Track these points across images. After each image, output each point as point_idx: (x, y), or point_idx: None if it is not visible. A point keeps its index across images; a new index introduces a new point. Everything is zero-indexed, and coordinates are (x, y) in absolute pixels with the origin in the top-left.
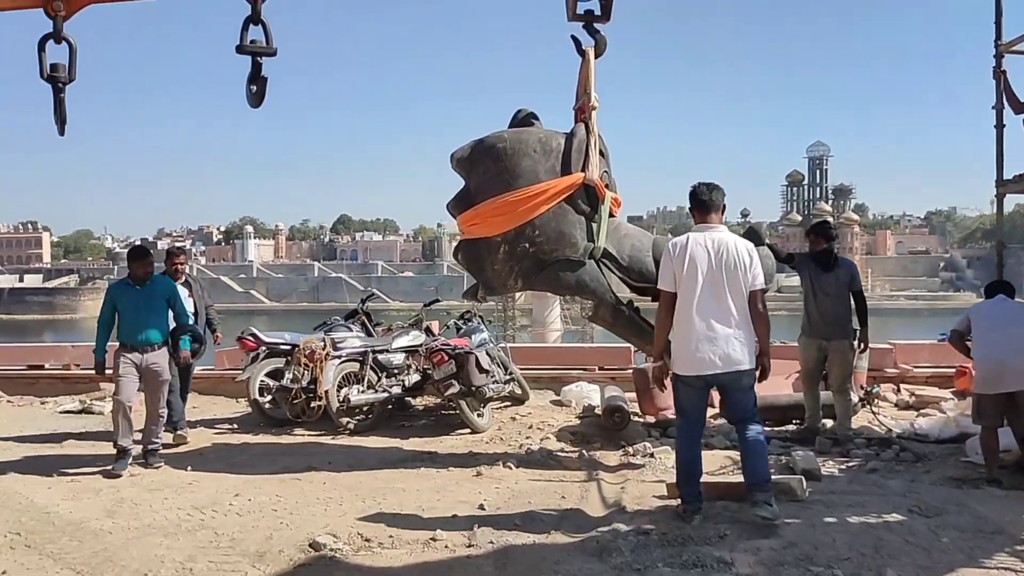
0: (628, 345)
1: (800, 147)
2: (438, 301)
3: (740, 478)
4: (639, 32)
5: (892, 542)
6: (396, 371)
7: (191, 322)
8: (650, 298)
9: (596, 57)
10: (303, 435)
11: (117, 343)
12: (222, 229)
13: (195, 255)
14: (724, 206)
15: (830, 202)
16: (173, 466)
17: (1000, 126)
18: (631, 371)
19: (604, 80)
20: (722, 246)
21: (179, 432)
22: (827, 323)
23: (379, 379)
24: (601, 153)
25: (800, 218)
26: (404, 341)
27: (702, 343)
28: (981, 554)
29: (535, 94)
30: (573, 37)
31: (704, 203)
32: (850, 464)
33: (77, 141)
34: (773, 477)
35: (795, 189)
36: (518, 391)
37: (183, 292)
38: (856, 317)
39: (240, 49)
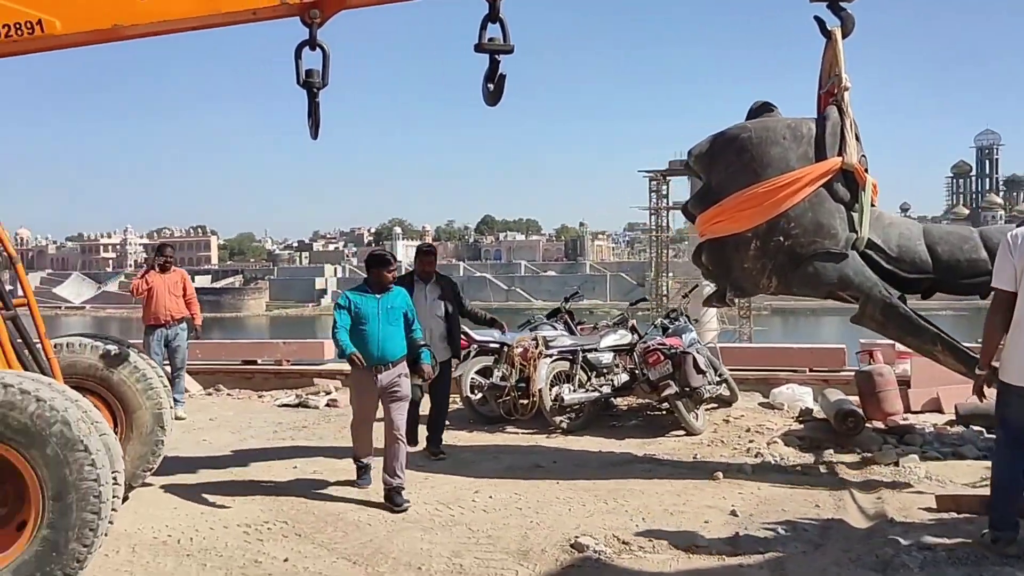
0: (841, 346)
1: (967, 136)
2: (645, 300)
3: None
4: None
5: None
6: (605, 370)
7: (443, 330)
8: (920, 295)
9: (844, 37)
10: (517, 432)
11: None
12: (372, 231)
13: (347, 256)
14: None
15: (1001, 194)
16: None
17: None
18: (853, 374)
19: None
20: None
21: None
22: None
23: (589, 378)
24: (856, 137)
25: (967, 211)
26: (612, 340)
27: None
28: None
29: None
30: (817, 18)
31: None
32: None
33: (238, 147)
34: None
35: (961, 181)
36: (726, 393)
37: (433, 293)
38: None
39: (479, 47)
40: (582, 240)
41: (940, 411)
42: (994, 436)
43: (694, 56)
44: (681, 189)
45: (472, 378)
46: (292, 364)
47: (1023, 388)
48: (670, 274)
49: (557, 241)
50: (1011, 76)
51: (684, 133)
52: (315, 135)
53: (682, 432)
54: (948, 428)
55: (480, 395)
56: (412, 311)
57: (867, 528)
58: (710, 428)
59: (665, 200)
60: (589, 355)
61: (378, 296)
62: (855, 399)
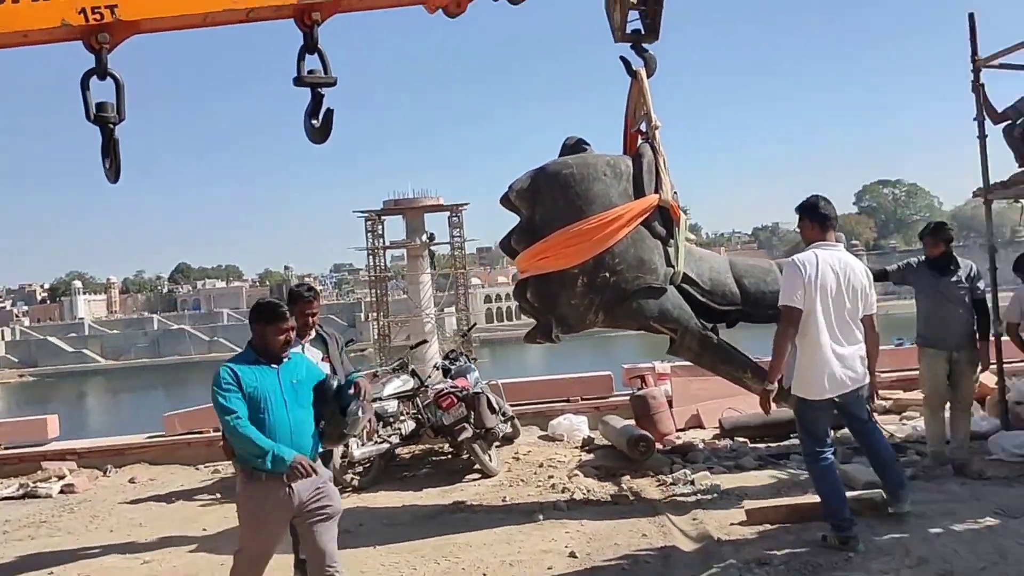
0: (608, 373)
1: None
2: (425, 343)
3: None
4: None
5: (1011, 547)
6: (391, 419)
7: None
8: (726, 324)
9: (648, 77)
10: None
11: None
12: (46, 287)
13: (16, 316)
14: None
15: None
16: None
17: (983, 136)
18: (622, 398)
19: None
20: (847, 267)
21: None
22: (955, 332)
23: (375, 430)
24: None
25: None
26: (395, 387)
27: (834, 365)
28: None
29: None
30: (623, 58)
31: (825, 217)
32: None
33: None
34: (853, 495)
35: None
36: (509, 429)
37: (316, 355)
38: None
39: (299, 81)
40: (288, 283)
41: (702, 426)
42: (765, 448)
43: (401, 101)
44: (396, 228)
45: None
46: (6, 448)
47: (822, 401)
48: (380, 314)
49: (261, 286)
50: None
51: (394, 172)
52: (115, 179)
53: (478, 475)
54: (716, 442)
55: None
56: (318, 371)
57: (700, 551)
58: (504, 468)
59: (381, 240)
60: (374, 405)
61: (275, 367)
62: (631, 422)
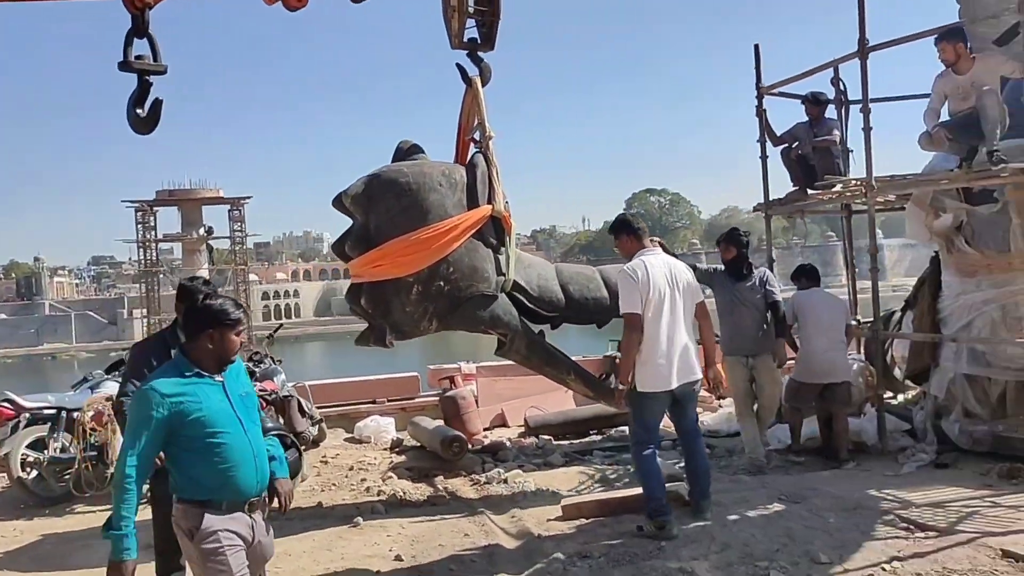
0: (415, 374)
1: None
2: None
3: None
4: None
5: (797, 530)
6: None
7: None
8: (550, 325)
9: (483, 86)
10: (90, 510)
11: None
12: None
13: None
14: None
15: None
16: None
17: (764, 157)
18: (429, 399)
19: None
20: (673, 267)
21: None
22: (751, 337)
23: None
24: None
25: None
26: None
27: (672, 358)
28: (866, 527)
29: None
30: (459, 66)
31: (638, 230)
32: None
33: None
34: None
35: None
36: (316, 432)
37: None
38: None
39: (125, 66)
40: (39, 277)
41: (506, 425)
42: (568, 445)
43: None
44: (169, 220)
45: (24, 453)
46: None
47: (660, 393)
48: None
49: (7, 280)
50: None
51: (168, 163)
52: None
53: None
54: (523, 440)
55: (35, 472)
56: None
57: (522, 548)
58: (313, 472)
59: (153, 232)
60: None
61: (219, 380)
62: (441, 423)
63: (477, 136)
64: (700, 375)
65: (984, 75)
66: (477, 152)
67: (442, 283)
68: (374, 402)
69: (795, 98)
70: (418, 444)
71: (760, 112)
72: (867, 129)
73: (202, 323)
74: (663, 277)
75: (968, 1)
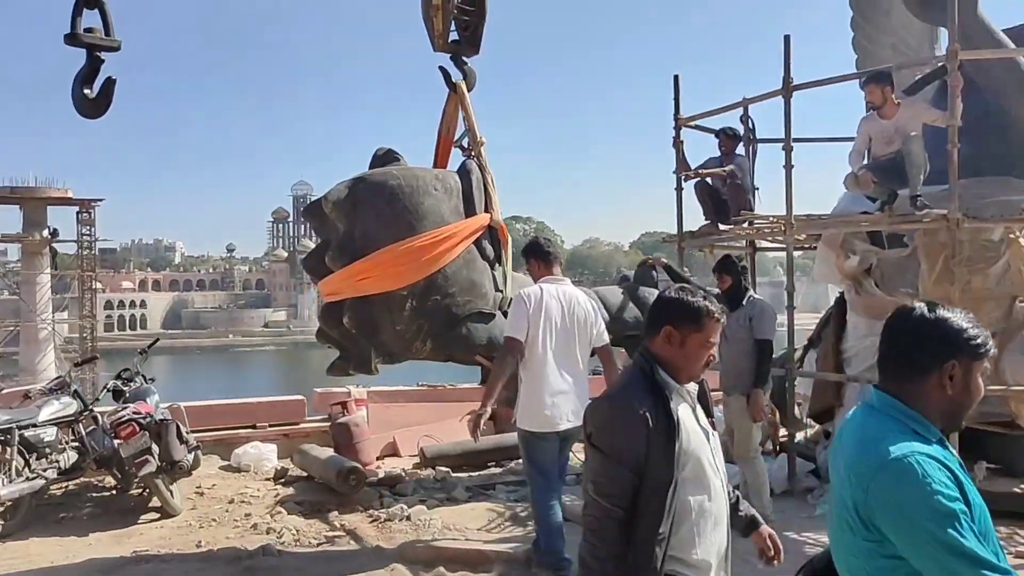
0: (300, 398)
1: (286, 185)
2: (96, 359)
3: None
4: None
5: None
6: (48, 450)
7: None
8: None
9: (468, 90)
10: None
11: None
12: None
13: None
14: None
15: (314, 240)
16: None
17: (679, 188)
18: (325, 425)
19: None
20: (572, 299)
21: None
22: (729, 373)
23: (27, 463)
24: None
25: (286, 253)
26: (53, 411)
27: (558, 397)
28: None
29: None
30: (442, 69)
31: (548, 255)
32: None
33: None
34: None
35: (281, 226)
36: (191, 460)
37: None
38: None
39: (73, 39)
40: None
41: (398, 454)
42: (467, 477)
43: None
44: (10, 220)
45: None
46: None
47: (548, 434)
48: None
49: None
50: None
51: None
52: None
53: (157, 515)
54: (418, 472)
55: None
56: None
57: None
58: (188, 505)
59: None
60: (27, 432)
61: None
62: (331, 451)
63: (465, 143)
64: None
65: (908, 121)
66: (469, 159)
67: (439, 297)
68: (254, 427)
69: (709, 132)
70: (306, 475)
71: (677, 143)
72: (788, 167)
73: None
74: (558, 309)
75: (865, 54)
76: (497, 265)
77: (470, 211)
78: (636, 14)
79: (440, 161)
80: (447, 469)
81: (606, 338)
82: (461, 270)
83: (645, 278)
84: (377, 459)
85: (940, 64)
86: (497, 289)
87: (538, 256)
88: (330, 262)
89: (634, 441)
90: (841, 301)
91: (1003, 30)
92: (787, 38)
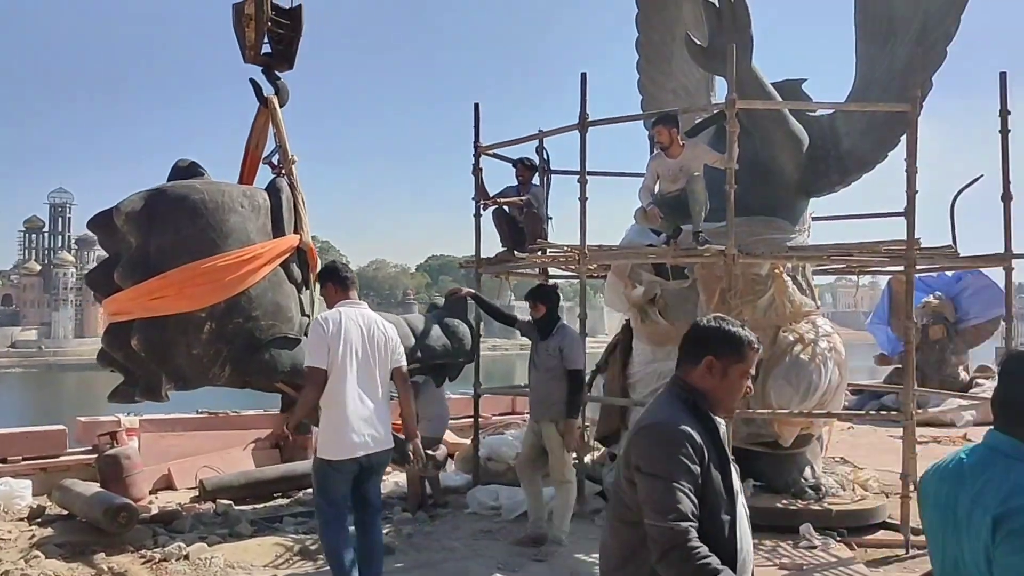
0: (61, 428)
1: (42, 193)
2: None
3: None
4: None
5: None
6: None
7: None
8: None
9: (281, 106)
10: None
11: None
12: None
13: None
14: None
15: (73, 252)
16: None
17: (477, 215)
18: (92, 458)
19: None
20: (371, 323)
21: None
22: (537, 401)
23: None
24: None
25: (39, 267)
26: None
27: (359, 424)
28: None
29: None
30: (253, 81)
31: (346, 279)
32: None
33: None
34: None
35: (34, 236)
36: None
37: None
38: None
39: None
40: None
41: (174, 488)
42: (252, 510)
43: None
44: None
45: None
46: None
47: (345, 462)
48: None
49: None
50: (87, 135)
51: None
52: None
53: None
54: (197, 506)
55: None
56: None
57: None
58: None
59: None
60: None
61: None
62: (96, 487)
63: (275, 160)
64: (390, 443)
65: (692, 161)
66: (278, 177)
67: (241, 320)
68: (5, 460)
69: (506, 161)
70: (67, 513)
71: (476, 170)
72: (583, 199)
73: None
74: (358, 333)
75: (649, 97)
76: (304, 288)
77: (278, 231)
78: (435, 35)
79: (247, 177)
80: (229, 502)
81: (403, 361)
82: (266, 292)
83: (454, 308)
84: (151, 493)
85: (718, 111)
86: (304, 313)
87: (335, 280)
88: (119, 278)
89: (691, 464)
90: (628, 328)
91: (772, 83)
92: (583, 76)
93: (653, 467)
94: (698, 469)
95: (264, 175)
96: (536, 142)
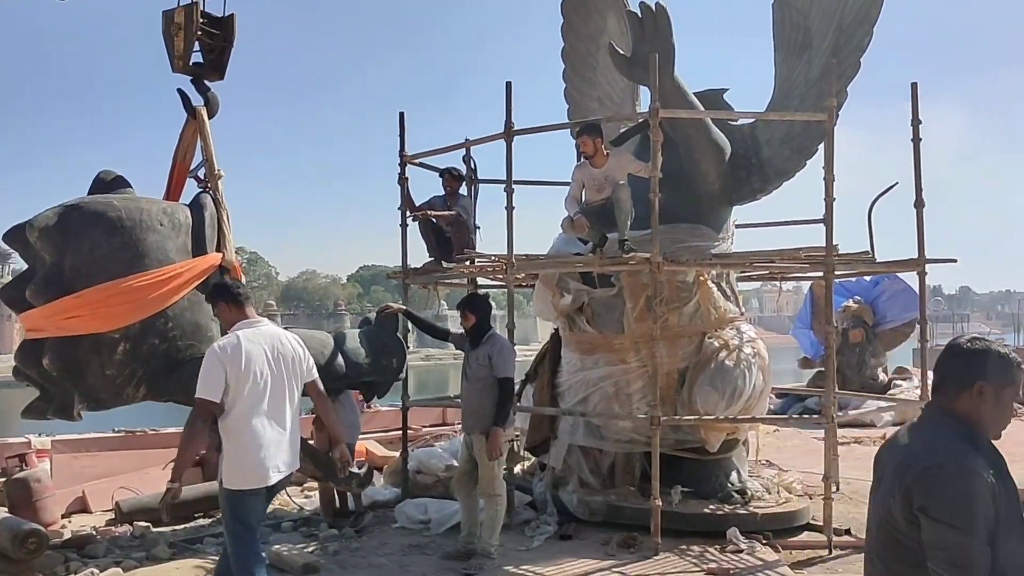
0: None
1: None
2: None
3: None
4: None
5: None
6: None
7: None
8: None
9: (210, 118)
10: None
11: None
12: None
13: None
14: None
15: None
16: None
17: (404, 225)
18: (2, 483)
19: None
20: (275, 340)
21: None
22: (467, 412)
23: None
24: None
25: None
26: None
27: (271, 451)
28: None
29: None
30: (181, 92)
31: (238, 296)
32: (309, 549)
33: None
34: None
35: None
36: None
37: None
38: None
39: None
40: None
41: (88, 511)
42: (171, 532)
43: None
44: None
45: None
46: None
47: (259, 489)
48: None
49: None
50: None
51: None
52: None
53: None
54: (113, 529)
55: None
56: None
57: None
58: None
59: None
60: None
61: None
62: (2, 511)
63: (201, 174)
64: (296, 463)
65: (617, 171)
66: (203, 192)
67: (157, 341)
68: None
69: (433, 170)
70: None
71: (402, 180)
72: (510, 208)
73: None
74: (261, 355)
75: (575, 105)
76: None
77: (199, 250)
78: (365, 44)
79: (174, 190)
80: (147, 524)
81: (315, 374)
82: (185, 312)
83: (385, 323)
84: (64, 517)
85: (642, 120)
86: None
87: (227, 299)
88: (31, 296)
89: (987, 511)
90: (556, 337)
91: (694, 93)
92: (508, 84)
93: (945, 515)
94: (993, 512)
95: (192, 188)
96: (463, 151)
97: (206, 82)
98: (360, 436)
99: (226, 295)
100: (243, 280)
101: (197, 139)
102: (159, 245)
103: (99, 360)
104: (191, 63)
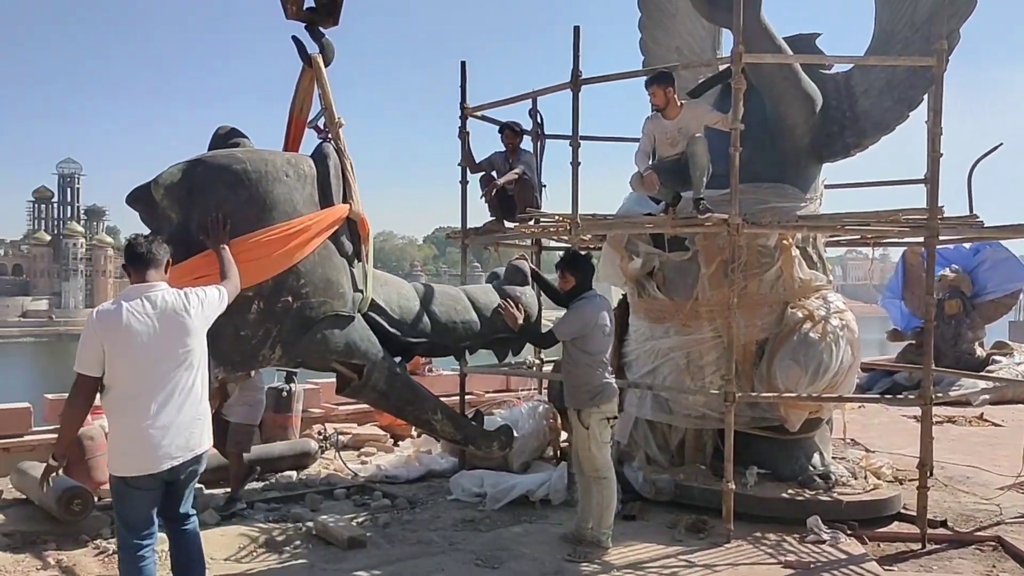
0: (27, 405)
1: (50, 162)
2: None
3: None
4: None
5: None
6: None
7: None
8: (403, 356)
9: (326, 66)
10: None
11: None
12: None
13: None
14: (169, 261)
15: (82, 222)
16: None
17: (464, 182)
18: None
19: None
20: (162, 307)
21: None
22: (564, 384)
23: None
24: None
25: (49, 237)
26: None
27: (158, 433)
28: None
29: None
30: (296, 39)
31: (141, 257)
32: (359, 520)
33: None
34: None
35: (43, 206)
36: None
37: None
38: None
39: None
40: None
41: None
42: (223, 495)
43: None
44: None
45: None
46: None
47: (142, 478)
48: None
49: None
50: (94, 106)
51: None
52: None
53: None
54: None
55: None
56: None
57: None
58: None
59: None
60: None
61: None
62: None
63: (321, 124)
64: (205, 446)
65: (691, 122)
66: (325, 142)
67: (291, 298)
68: None
69: (495, 124)
70: (24, 498)
71: (463, 134)
72: (575, 164)
73: None
74: (145, 325)
75: (651, 56)
76: (356, 262)
77: (326, 201)
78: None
79: (292, 143)
80: (200, 485)
81: (217, 304)
82: (316, 268)
83: (514, 277)
84: None
85: (723, 68)
86: (356, 289)
87: (129, 260)
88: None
89: None
90: (624, 304)
91: (783, 38)
92: (576, 29)
93: None
94: None
95: (311, 140)
96: (528, 103)
97: (320, 28)
98: None
99: (125, 256)
100: (370, 233)
101: (314, 88)
102: (286, 197)
103: (232, 321)
104: (304, 8)
